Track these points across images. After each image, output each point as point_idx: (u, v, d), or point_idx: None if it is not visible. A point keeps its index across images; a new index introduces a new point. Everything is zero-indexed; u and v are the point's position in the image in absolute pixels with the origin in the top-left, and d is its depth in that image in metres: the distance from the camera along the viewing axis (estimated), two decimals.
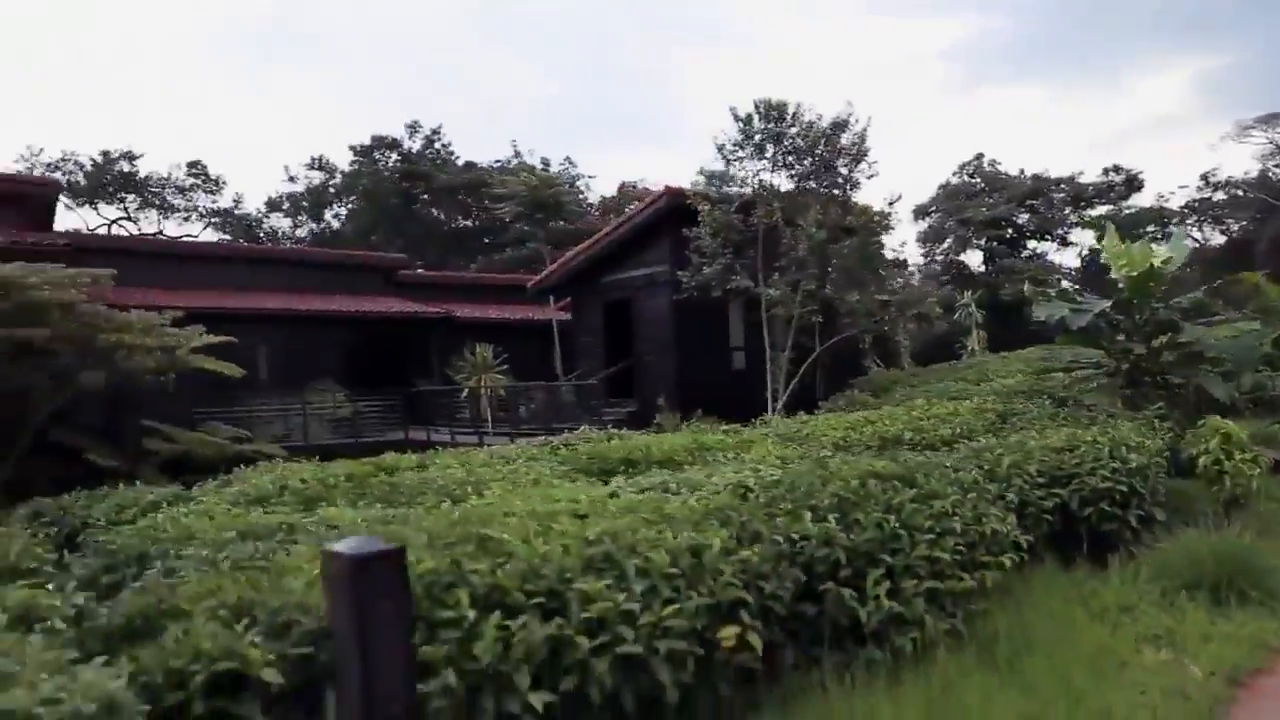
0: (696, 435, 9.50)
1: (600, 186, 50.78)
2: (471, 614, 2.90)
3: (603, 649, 3.04)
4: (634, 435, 11.67)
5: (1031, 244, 48.51)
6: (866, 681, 4.18)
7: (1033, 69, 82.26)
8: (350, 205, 48.38)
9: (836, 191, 18.21)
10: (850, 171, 18.05)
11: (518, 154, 53.49)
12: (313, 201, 47.75)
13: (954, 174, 51.08)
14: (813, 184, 17.97)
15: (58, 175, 38.82)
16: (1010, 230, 47.38)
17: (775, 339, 18.15)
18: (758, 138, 18.01)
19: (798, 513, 4.63)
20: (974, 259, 48.66)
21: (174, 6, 69.78)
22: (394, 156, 48.37)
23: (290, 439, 20.25)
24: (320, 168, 48.96)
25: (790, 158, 18.16)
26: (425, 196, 46.66)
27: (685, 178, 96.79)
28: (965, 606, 4.71)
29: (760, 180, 18.05)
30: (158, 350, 13.06)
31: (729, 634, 3.59)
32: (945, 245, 50.00)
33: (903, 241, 72.46)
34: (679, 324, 19.35)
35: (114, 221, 43.55)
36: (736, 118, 18.02)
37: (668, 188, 19.19)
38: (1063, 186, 47.90)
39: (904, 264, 21.30)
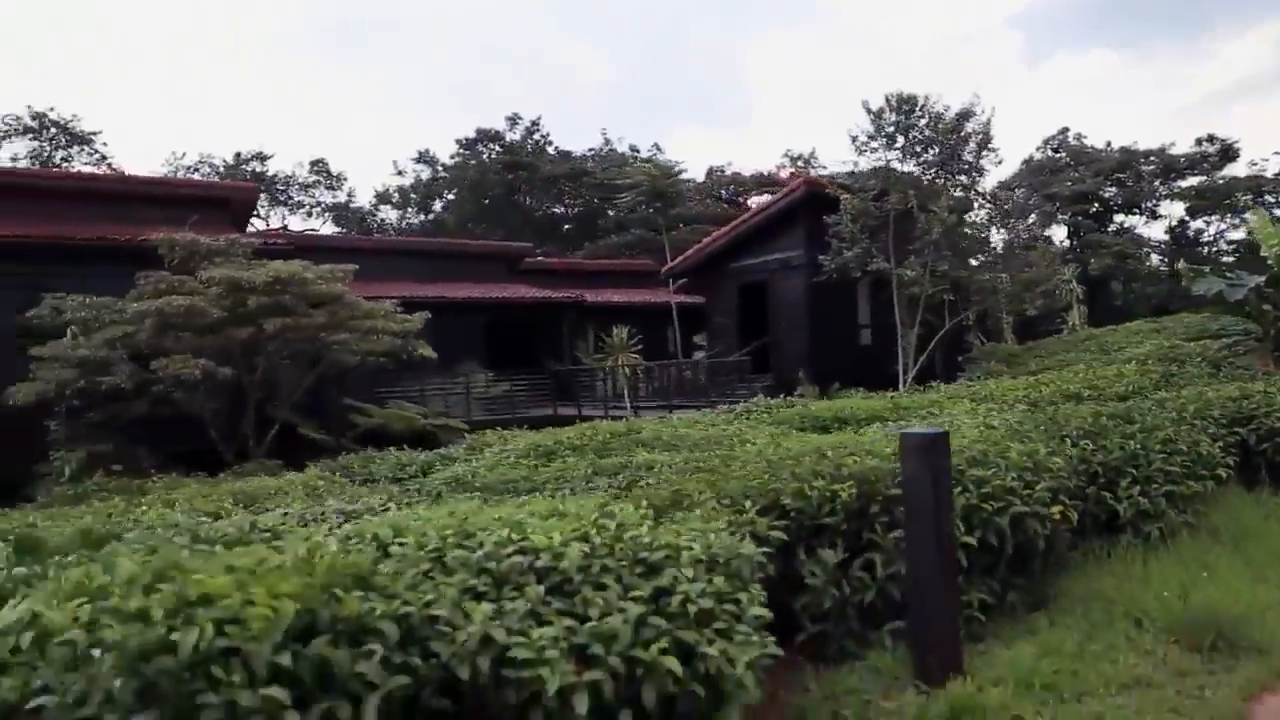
0: (893, 399, 11.13)
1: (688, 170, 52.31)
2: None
3: (1000, 510, 4.73)
4: (812, 403, 13.37)
5: (1119, 218, 48.30)
6: (1126, 558, 5.81)
7: (1107, 34, 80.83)
8: (452, 196, 50.74)
9: (963, 178, 19.52)
10: (976, 159, 19.34)
11: (608, 142, 55.61)
12: (422, 194, 50.27)
13: (1037, 149, 51.09)
14: (941, 171, 19.29)
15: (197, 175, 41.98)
16: (1097, 204, 47.30)
17: (904, 316, 19.60)
18: (889, 129, 19.41)
19: (1060, 439, 6.27)
20: (1058, 234, 48.82)
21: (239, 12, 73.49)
22: (495, 148, 50.60)
23: (451, 415, 22.37)
24: (425, 161, 51.50)
25: (919, 147, 19.53)
26: (524, 187, 48.79)
27: (762, 157, 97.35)
28: (1193, 506, 6.29)
29: (892, 168, 19.46)
30: (395, 334, 15.16)
31: (1055, 510, 5.26)
32: (1030, 221, 50.25)
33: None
34: (812, 304, 20.92)
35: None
36: (869, 111, 19.47)
37: (805, 179, 20.80)
38: (1152, 159, 47.38)
39: (1035, 243, 22.37)
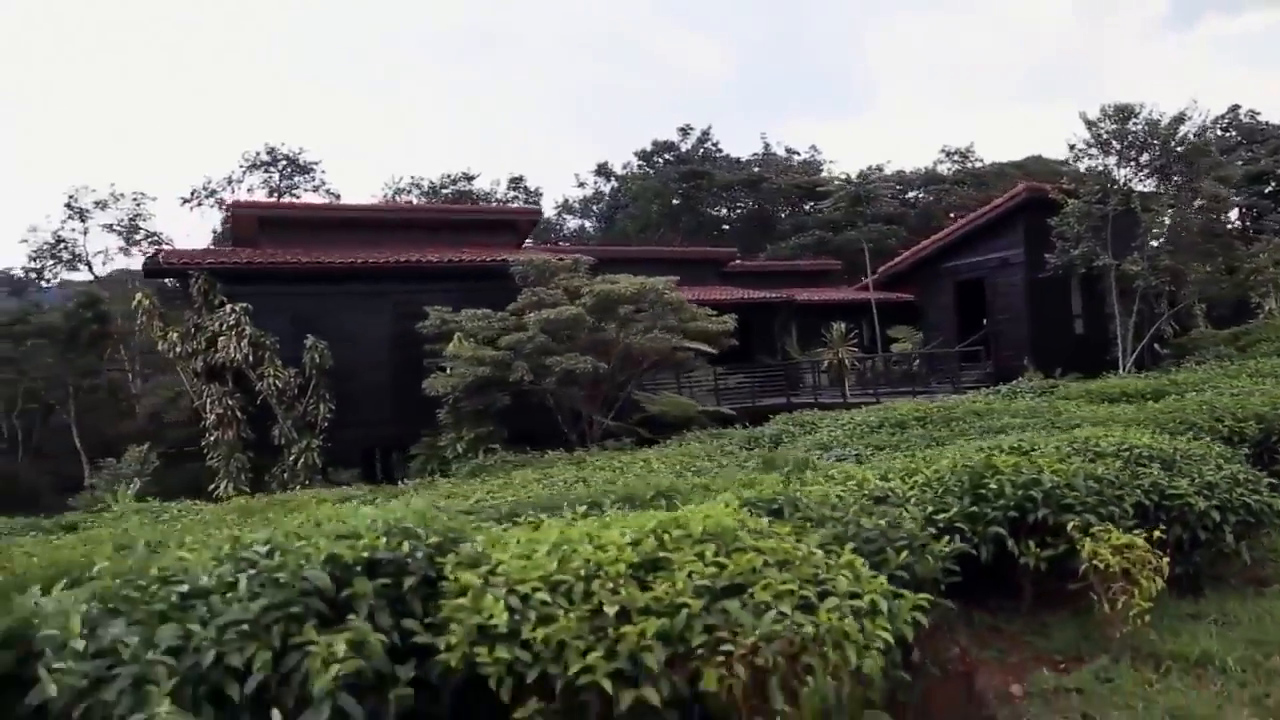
0: (1169, 379, 13.41)
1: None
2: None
3: None
4: (1073, 384, 15.69)
5: None
6: None
7: None
8: (631, 205, 54.35)
9: (1177, 178, 21.24)
10: (1193, 161, 21.03)
11: (767, 145, 58.38)
12: (608, 204, 54.10)
13: (1206, 127, 50.37)
14: (1160, 174, 21.09)
15: (410, 197, 46.96)
16: (1273, 184, 46.40)
17: (1121, 307, 21.45)
18: (1105, 136, 21.34)
19: None
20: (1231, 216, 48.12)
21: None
22: (667, 157, 53.95)
23: (703, 404, 25.43)
24: (603, 173, 55.32)
25: (1133, 151, 21.36)
26: (701, 194, 51.88)
27: (880, 146, 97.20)
28: None
29: (1110, 173, 21.37)
30: (715, 333, 18.34)
31: None
32: (1198, 204, 49.81)
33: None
34: (1031, 297, 23.01)
35: None
36: (1086, 121, 21.42)
37: (1027, 184, 22.90)
38: None
39: (1252, 237, 23.75)
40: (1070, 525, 4.67)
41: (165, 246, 50.07)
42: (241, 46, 73.42)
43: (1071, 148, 21.55)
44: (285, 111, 76.45)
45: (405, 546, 3.46)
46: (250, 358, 16.81)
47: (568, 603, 3.18)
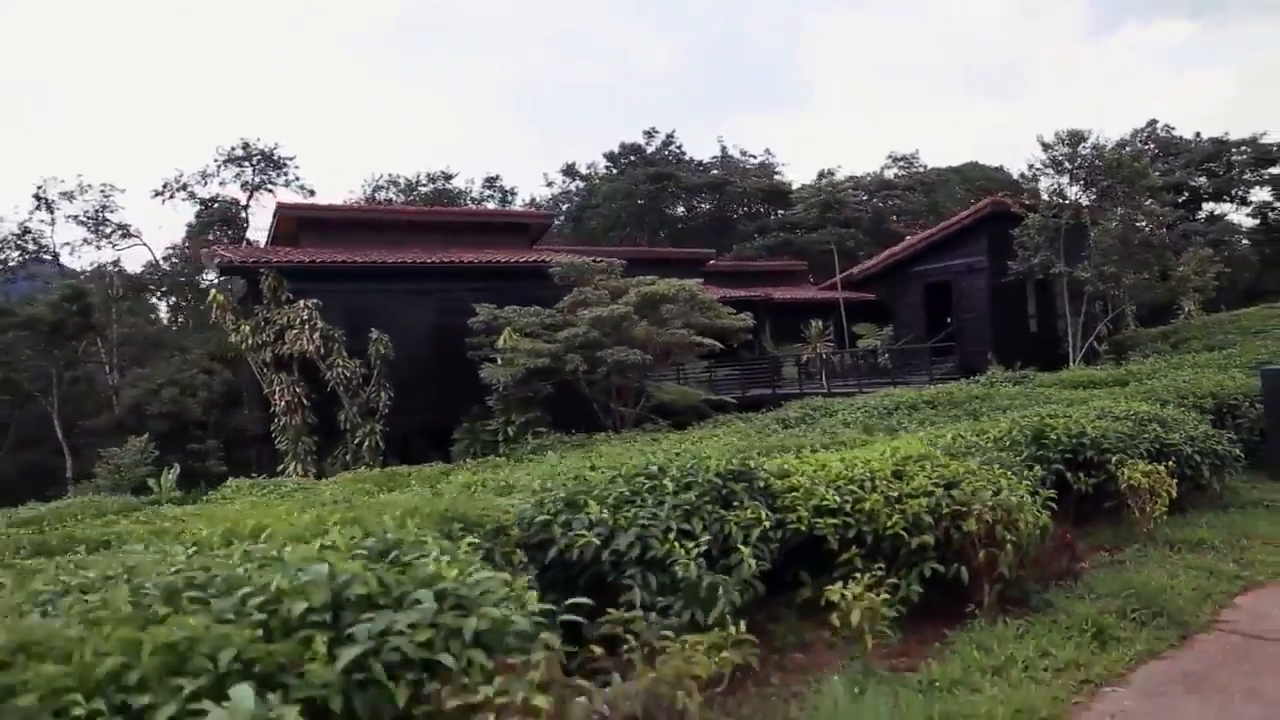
0: (1125, 369, 16.21)
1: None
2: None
3: None
4: (1044, 375, 18.44)
5: (1208, 206, 51.02)
6: None
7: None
8: (601, 205, 56.57)
9: (1121, 196, 24.36)
10: (1134, 182, 24.16)
11: (723, 149, 61.23)
12: (577, 204, 56.25)
13: (1124, 141, 54.62)
14: (1104, 193, 24.19)
15: (389, 194, 48.50)
16: (1186, 193, 50.24)
17: (1070, 309, 24.50)
18: (1059, 158, 24.34)
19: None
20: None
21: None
22: (632, 159, 56.35)
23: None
24: (571, 174, 57.44)
25: (1082, 171, 24.40)
26: (666, 196, 54.37)
27: (821, 142, 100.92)
28: None
29: (1061, 190, 24.40)
30: (733, 329, 20.73)
31: None
32: (1140, 222, 54.02)
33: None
34: (992, 300, 25.97)
35: None
36: (1043, 144, 24.41)
37: (992, 198, 25.85)
38: (1244, 149, 49.83)
39: (1187, 244, 27.00)
40: (1112, 460, 7.15)
41: (134, 238, 51.10)
42: (212, 40, 73.31)
43: (1029, 165, 24.57)
44: (255, 108, 76.57)
45: (751, 464, 5.75)
46: (321, 350, 18.64)
47: (864, 491, 5.50)
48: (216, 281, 38.36)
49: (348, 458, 18.90)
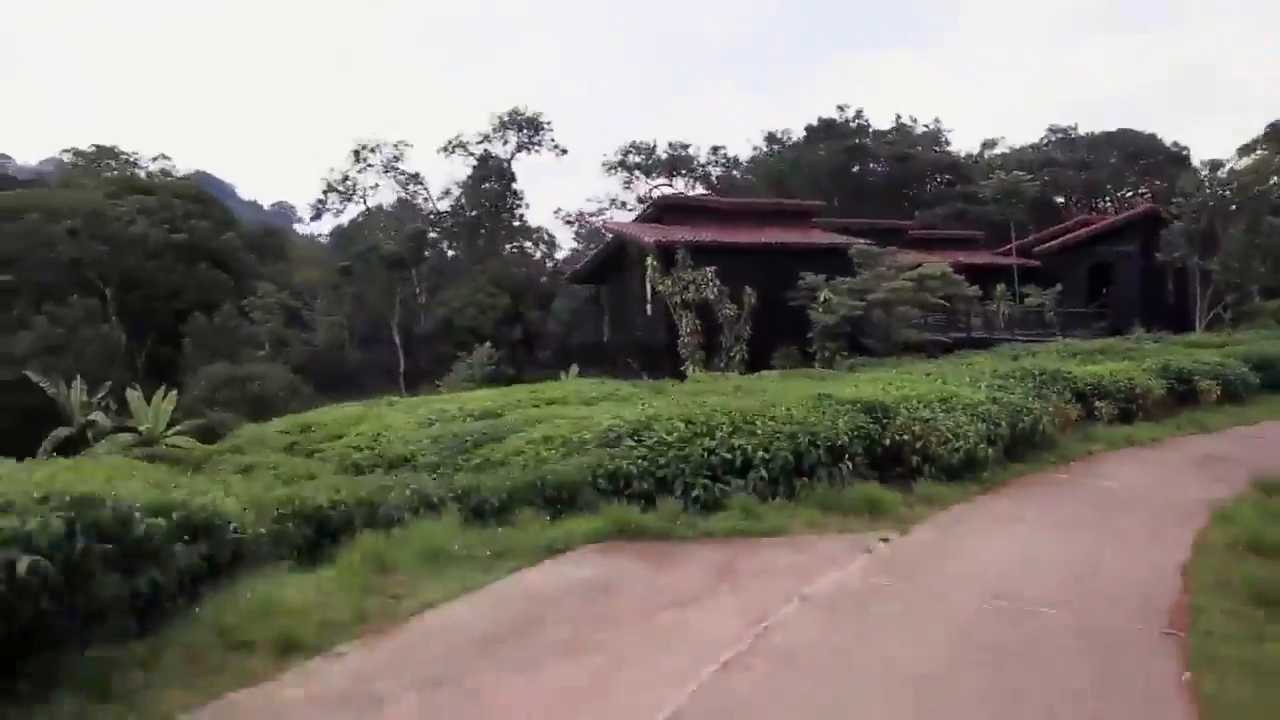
0: (1220, 338, 26.90)
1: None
2: None
3: None
4: (1172, 339, 29.10)
5: None
6: None
7: None
8: (805, 170, 67.34)
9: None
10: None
11: (899, 121, 70.86)
12: (772, 170, 67.33)
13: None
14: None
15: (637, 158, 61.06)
16: None
17: (1200, 290, 34.55)
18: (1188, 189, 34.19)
19: None
20: None
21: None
22: (828, 129, 66.84)
23: None
24: (772, 140, 68.47)
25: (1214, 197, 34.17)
26: (857, 169, 64.89)
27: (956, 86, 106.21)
28: None
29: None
30: (960, 296, 31.98)
31: None
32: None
33: None
34: (1141, 279, 36.31)
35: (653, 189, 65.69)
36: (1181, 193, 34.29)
37: (1145, 207, 36.01)
38: None
39: None
40: (1194, 378, 18.43)
41: (420, 185, 65.01)
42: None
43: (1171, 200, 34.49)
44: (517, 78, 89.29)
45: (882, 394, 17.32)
46: (714, 298, 30.86)
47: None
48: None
49: (722, 366, 31.05)
